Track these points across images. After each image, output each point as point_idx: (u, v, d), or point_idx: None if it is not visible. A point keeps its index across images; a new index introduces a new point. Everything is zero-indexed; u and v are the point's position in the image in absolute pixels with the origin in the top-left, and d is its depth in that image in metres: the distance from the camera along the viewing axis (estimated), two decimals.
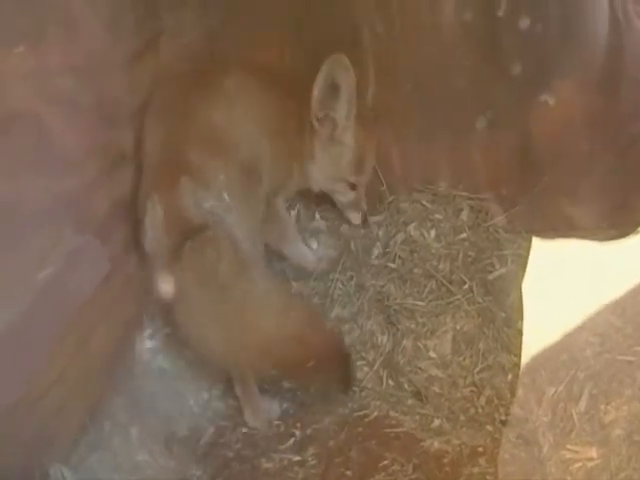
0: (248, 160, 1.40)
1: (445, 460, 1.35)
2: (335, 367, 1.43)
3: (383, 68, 1.66)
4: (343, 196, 1.71)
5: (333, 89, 1.52)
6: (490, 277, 1.65)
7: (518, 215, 1.71)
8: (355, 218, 1.75)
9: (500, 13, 1.53)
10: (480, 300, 1.60)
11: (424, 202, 1.79)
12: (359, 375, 1.52)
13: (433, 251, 1.68)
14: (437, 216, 1.76)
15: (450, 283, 1.63)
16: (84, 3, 1.23)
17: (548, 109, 1.58)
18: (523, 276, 1.61)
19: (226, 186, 1.31)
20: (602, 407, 1.37)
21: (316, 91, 1.52)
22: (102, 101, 1.30)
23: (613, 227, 1.65)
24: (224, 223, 1.29)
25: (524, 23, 1.53)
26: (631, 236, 1.69)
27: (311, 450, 1.38)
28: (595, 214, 1.65)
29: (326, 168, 1.64)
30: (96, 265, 1.34)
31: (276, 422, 1.43)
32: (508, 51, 1.58)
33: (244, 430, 1.41)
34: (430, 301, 1.61)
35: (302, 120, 1.58)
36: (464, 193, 1.77)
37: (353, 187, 1.68)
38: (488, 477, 1.32)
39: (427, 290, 1.63)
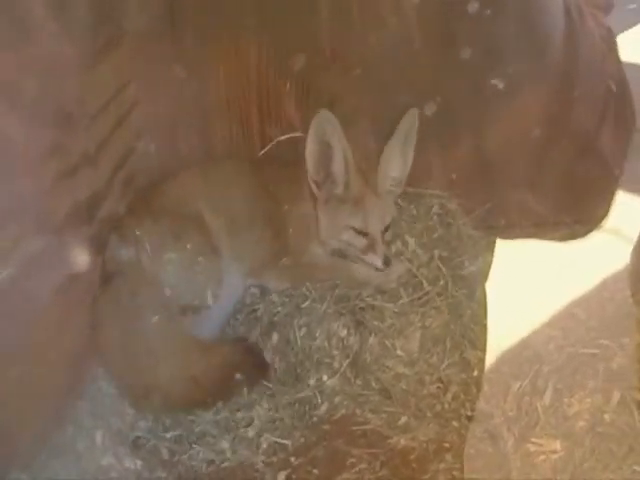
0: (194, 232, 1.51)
1: (412, 457, 1.35)
2: (250, 366, 1.50)
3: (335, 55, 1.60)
4: (355, 245, 1.62)
5: (326, 149, 1.50)
6: (460, 273, 1.64)
7: (483, 213, 1.72)
8: (375, 261, 1.61)
9: None
10: (451, 296, 1.60)
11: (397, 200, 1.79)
12: (326, 377, 1.50)
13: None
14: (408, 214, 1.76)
15: (425, 280, 1.62)
16: (40, 5, 1.23)
17: (506, 105, 1.59)
18: (488, 273, 1.63)
19: (150, 243, 1.46)
20: (566, 400, 1.38)
21: (309, 155, 1.51)
22: (60, 103, 1.30)
23: (577, 223, 1.67)
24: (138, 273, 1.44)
25: (473, 7, 1.50)
26: (595, 232, 1.72)
27: (277, 450, 1.37)
28: (556, 208, 1.67)
29: (330, 223, 1.60)
30: (57, 268, 1.33)
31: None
32: (457, 35, 1.55)
33: (207, 432, 1.39)
34: (400, 298, 1.60)
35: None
36: (433, 191, 1.77)
37: (362, 233, 1.61)
38: (454, 472, 1.32)
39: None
